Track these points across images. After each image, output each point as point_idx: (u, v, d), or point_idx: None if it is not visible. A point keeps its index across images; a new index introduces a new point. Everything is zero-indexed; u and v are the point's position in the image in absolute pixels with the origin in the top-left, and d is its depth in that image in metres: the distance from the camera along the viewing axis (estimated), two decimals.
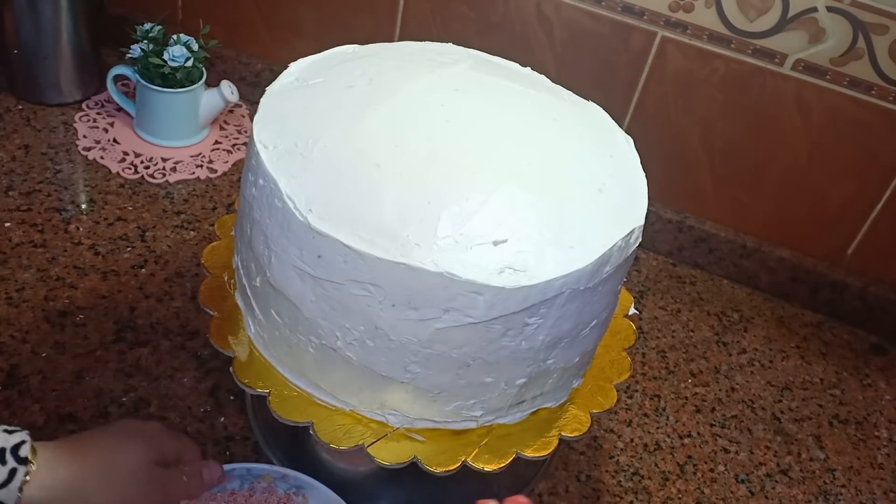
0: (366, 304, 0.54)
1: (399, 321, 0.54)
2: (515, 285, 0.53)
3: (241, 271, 0.64)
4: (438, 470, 0.58)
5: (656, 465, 0.81)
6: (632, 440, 0.82)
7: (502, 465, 0.60)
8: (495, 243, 0.54)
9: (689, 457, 0.82)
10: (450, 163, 0.58)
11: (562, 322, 0.57)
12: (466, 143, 0.60)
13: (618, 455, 0.81)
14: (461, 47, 0.73)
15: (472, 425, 0.61)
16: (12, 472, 0.50)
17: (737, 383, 0.92)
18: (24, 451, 0.51)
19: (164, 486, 0.58)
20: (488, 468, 0.59)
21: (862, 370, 0.98)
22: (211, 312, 0.65)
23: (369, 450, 0.58)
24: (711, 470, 0.82)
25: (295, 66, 0.66)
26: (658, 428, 0.84)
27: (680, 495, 0.78)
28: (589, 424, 0.63)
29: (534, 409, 0.64)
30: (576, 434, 0.63)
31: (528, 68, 0.73)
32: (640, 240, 0.60)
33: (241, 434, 0.74)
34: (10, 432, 0.52)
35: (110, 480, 0.55)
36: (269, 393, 0.61)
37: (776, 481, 0.82)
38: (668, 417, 0.86)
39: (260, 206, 0.58)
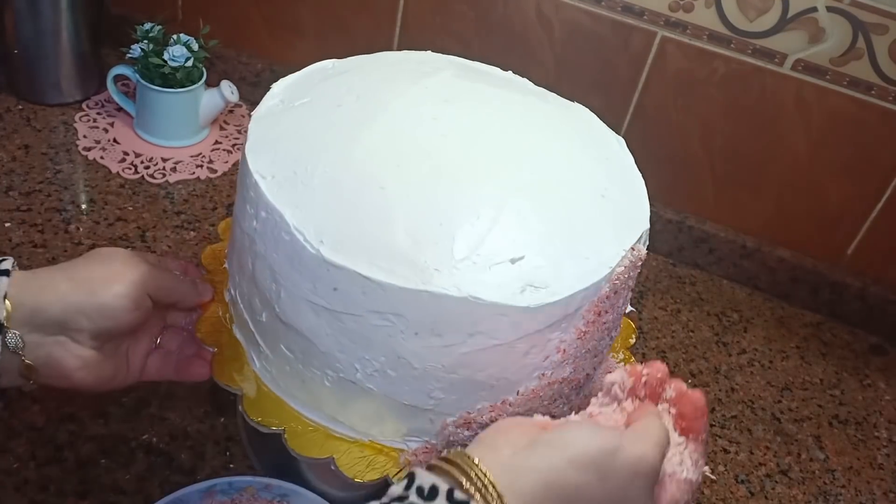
0: (387, 335, 0.52)
1: (422, 349, 0.52)
2: (539, 303, 0.51)
3: (241, 306, 0.61)
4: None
5: None
6: None
7: None
8: (513, 261, 0.52)
9: None
10: (453, 179, 0.56)
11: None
12: (466, 157, 0.59)
13: None
14: (439, 54, 0.71)
15: None
16: None
17: (737, 383, 0.92)
18: (6, 265, 0.53)
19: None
20: None
21: (862, 370, 0.98)
22: (211, 349, 0.62)
23: (393, 478, 0.57)
24: (711, 470, 0.81)
25: (277, 87, 0.63)
26: None
27: None
28: None
29: None
30: None
31: (510, 72, 0.72)
32: (647, 243, 0.60)
33: None
34: None
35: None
36: (283, 431, 0.58)
37: (776, 482, 0.82)
38: None
39: (264, 240, 0.55)
